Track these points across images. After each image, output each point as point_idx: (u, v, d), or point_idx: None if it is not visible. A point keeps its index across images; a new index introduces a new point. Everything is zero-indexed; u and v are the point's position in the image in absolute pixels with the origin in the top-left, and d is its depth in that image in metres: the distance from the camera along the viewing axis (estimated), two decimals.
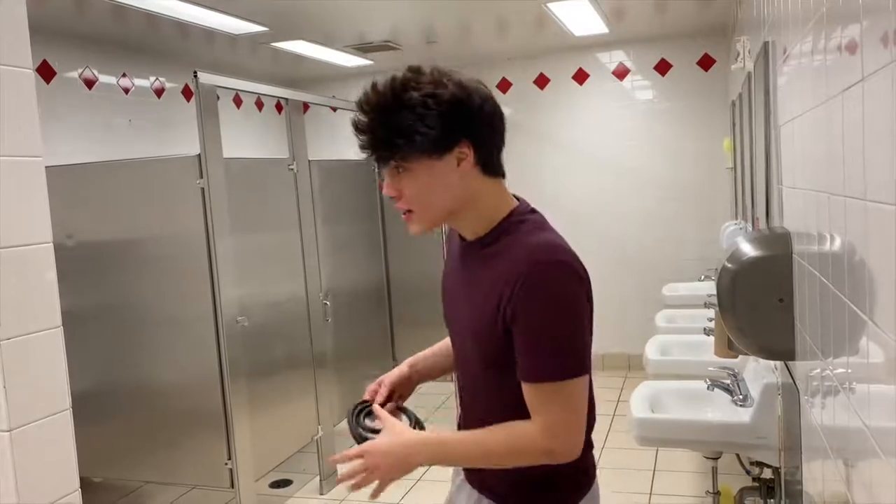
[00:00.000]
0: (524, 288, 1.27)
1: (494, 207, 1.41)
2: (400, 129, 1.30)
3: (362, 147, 1.34)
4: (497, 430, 1.34)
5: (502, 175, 1.43)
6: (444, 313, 1.57)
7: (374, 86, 1.34)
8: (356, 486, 1.46)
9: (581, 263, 1.34)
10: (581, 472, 1.45)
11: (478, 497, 1.49)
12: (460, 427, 1.58)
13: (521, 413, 1.32)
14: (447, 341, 1.67)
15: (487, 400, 1.45)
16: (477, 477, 1.50)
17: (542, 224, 1.41)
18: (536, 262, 1.30)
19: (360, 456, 1.42)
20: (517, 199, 1.46)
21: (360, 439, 1.47)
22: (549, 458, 1.31)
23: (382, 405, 1.60)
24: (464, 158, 1.34)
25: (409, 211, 1.40)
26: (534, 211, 1.45)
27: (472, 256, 1.44)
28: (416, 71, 1.39)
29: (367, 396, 1.62)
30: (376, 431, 1.46)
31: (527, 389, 1.31)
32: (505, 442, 1.34)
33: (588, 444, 1.41)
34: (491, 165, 1.40)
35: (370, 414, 1.53)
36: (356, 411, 1.54)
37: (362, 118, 1.33)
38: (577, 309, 1.31)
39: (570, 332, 1.30)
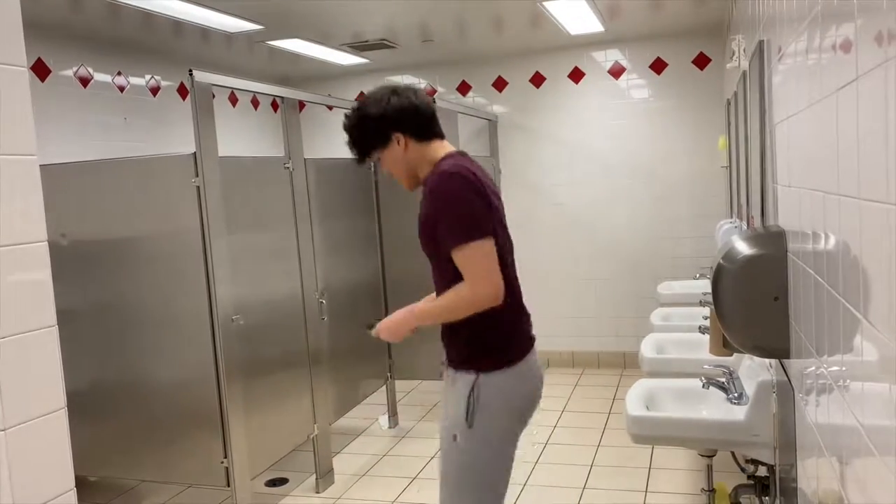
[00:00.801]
0: (425, 198, 2.09)
1: (432, 160, 2.17)
2: (355, 142, 2.19)
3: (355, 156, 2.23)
4: (447, 292, 2.07)
5: (438, 136, 2.20)
6: None
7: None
8: (378, 338, 2.32)
9: (477, 174, 2.07)
10: (503, 344, 2.10)
11: (448, 370, 2.17)
12: None
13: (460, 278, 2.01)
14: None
15: (446, 276, 2.09)
16: (448, 358, 2.17)
17: (454, 159, 2.12)
18: (429, 179, 2.10)
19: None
20: (458, 152, 2.19)
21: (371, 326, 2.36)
22: (475, 300, 1.99)
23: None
24: (399, 142, 2.15)
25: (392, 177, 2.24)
26: (458, 154, 2.18)
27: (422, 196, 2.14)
28: (358, 103, 2.20)
29: None
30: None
31: (454, 256, 2.00)
32: (451, 297, 2.04)
33: (518, 316, 2.15)
34: (422, 135, 2.17)
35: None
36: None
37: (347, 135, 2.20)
38: (460, 196, 1.99)
39: (458, 213, 1.99)
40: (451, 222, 2.00)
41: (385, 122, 2.13)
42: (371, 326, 2.38)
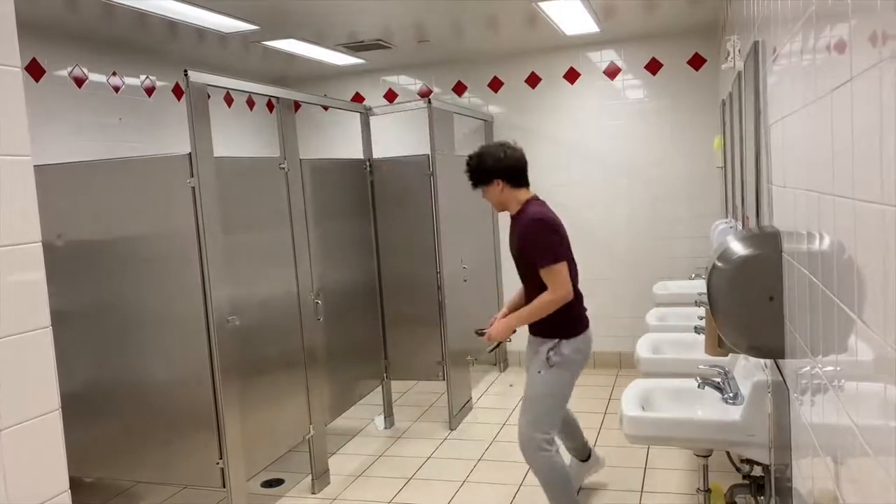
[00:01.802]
0: (521, 229, 3.15)
1: (519, 201, 3.22)
2: (472, 177, 3.23)
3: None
4: (536, 300, 3.10)
5: (525, 185, 3.26)
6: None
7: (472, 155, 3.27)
8: (486, 339, 3.31)
9: (554, 218, 3.17)
10: (573, 321, 3.17)
11: (531, 338, 3.25)
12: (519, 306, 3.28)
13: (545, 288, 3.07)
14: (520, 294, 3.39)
15: (536, 285, 3.12)
16: (534, 331, 3.23)
17: (536, 205, 3.19)
18: (522, 217, 3.16)
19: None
20: (535, 197, 3.24)
21: (481, 332, 3.33)
22: (554, 301, 3.05)
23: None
24: (498, 185, 3.19)
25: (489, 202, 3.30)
26: (537, 200, 3.24)
27: (514, 223, 3.22)
28: (482, 147, 3.28)
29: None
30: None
31: (541, 273, 3.06)
32: (538, 303, 3.08)
33: (579, 304, 3.20)
34: (516, 183, 3.22)
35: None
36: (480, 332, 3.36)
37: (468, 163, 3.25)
38: (546, 236, 3.08)
39: (543, 246, 3.05)
40: (539, 252, 3.08)
41: (492, 171, 3.18)
42: (481, 333, 3.34)
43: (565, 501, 3.23)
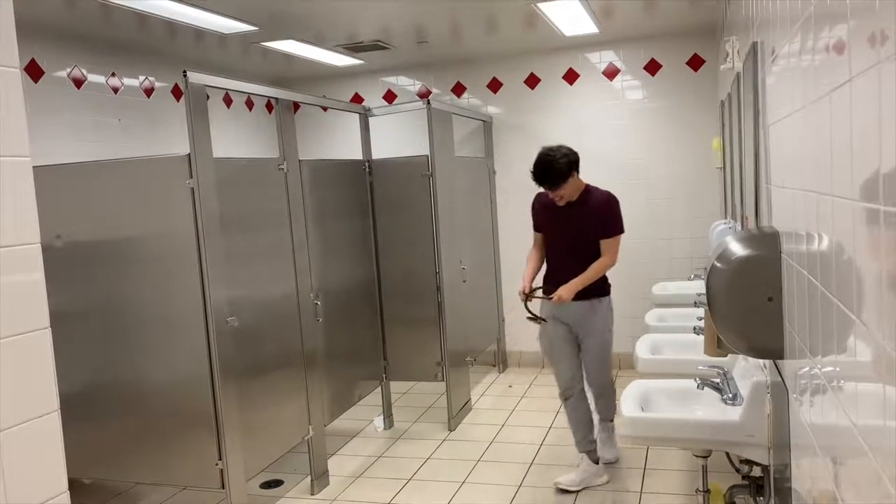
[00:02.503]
0: (596, 207, 3.74)
1: (580, 187, 3.77)
2: (561, 177, 3.66)
3: (550, 186, 3.71)
4: (594, 264, 3.72)
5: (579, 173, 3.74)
6: (545, 231, 3.96)
7: (546, 158, 3.71)
8: (555, 301, 3.69)
9: (611, 193, 3.83)
10: (608, 285, 3.89)
11: (579, 302, 3.75)
12: (552, 276, 3.89)
13: (593, 258, 3.73)
14: (535, 255, 3.99)
15: (585, 257, 3.74)
16: (587, 294, 3.75)
17: (596, 188, 3.82)
18: (593, 197, 3.77)
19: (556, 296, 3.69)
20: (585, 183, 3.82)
21: (529, 311, 3.81)
22: (610, 266, 3.78)
23: (531, 291, 3.79)
24: (574, 176, 3.68)
25: (562, 198, 3.72)
26: (589, 185, 3.82)
27: (572, 207, 3.75)
28: (551, 150, 3.72)
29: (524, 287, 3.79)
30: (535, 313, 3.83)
31: (604, 242, 3.73)
32: (598, 267, 3.71)
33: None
34: (579, 172, 3.72)
35: (529, 300, 3.77)
36: (527, 301, 3.78)
37: (545, 176, 3.68)
38: (619, 210, 3.77)
39: (617, 218, 3.77)
40: (613, 223, 3.76)
41: (574, 165, 3.70)
42: (547, 296, 3.78)
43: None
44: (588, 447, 3.86)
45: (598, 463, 3.87)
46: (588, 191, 3.78)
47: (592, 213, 3.73)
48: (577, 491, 3.80)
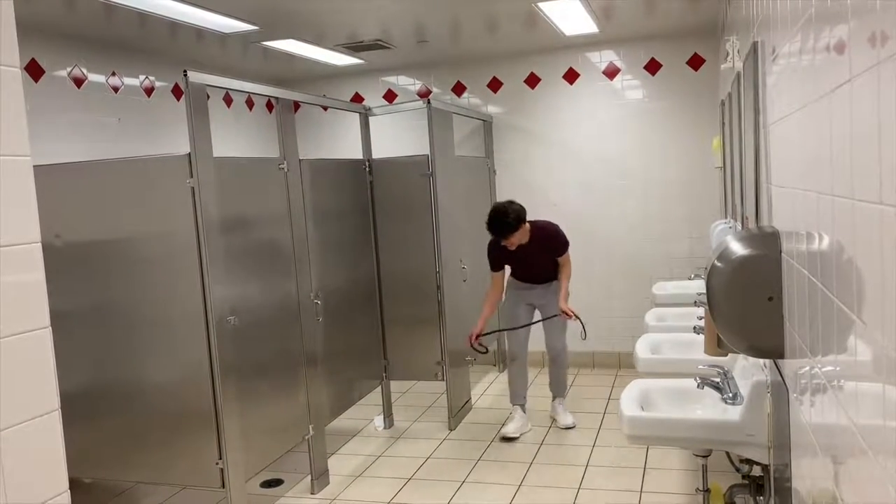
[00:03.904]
0: (552, 240, 4.63)
1: (527, 231, 4.51)
2: (512, 229, 4.41)
3: (501, 237, 4.48)
4: (563, 277, 4.69)
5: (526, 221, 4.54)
6: (508, 263, 4.75)
7: (498, 215, 4.44)
8: (572, 317, 4.53)
9: (549, 221, 4.74)
10: None
11: (544, 285, 4.76)
12: (527, 278, 4.78)
13: (552, 262, 4.70)
14: (492, 298, 4.79)
15: (546, 263, 4.68)
16: (544, 278, 4.77)
17: (538, 224, 4.62)
18: (543, 232, 4.60)
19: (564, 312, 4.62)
20: (530, 222, 4.55)
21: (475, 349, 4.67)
22: (570, 271, 4.74)
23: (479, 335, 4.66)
24: (521, 228, 4.44)
25: (512, 244, 4.50)
26: (532, 222, 4.57)
27: (528, 246, 4.54)
28: (502, 208, 4.44)
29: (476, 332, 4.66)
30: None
31: (560, 259, 4.68)
32: (568, 272, 4.70)
33: None
34: (526, 221, 4.49)
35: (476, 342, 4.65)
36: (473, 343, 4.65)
37: (498, 229, 4.44)
38: (563, 235, 4.67)
39: (565, 241, 4.67)
40: (562, 244, 4.65)
41: (521, 219, 4.42)
42: (576, 316, 4.48)
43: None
44: (521, 401, 4.79)
45: (524, 413, 4.79)
46: (533, 230, 4.53)
47: (543, 245, 4.61)
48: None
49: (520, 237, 4.47)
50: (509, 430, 4.65)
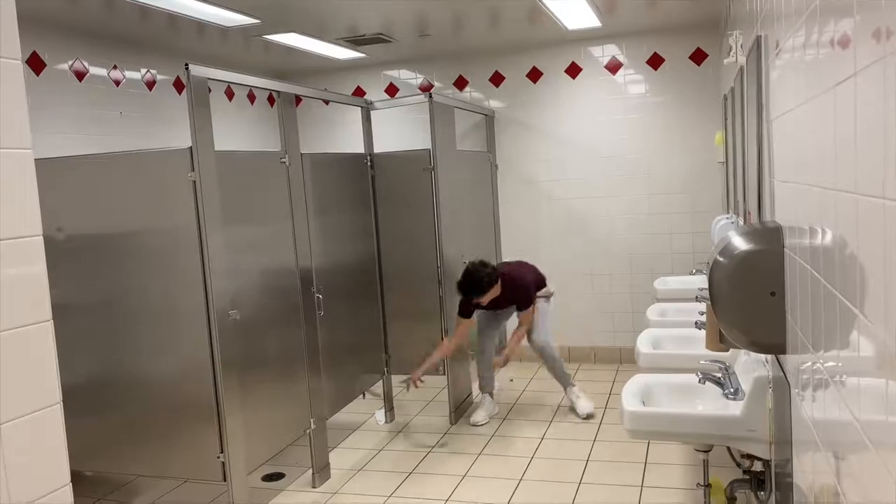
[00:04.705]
0: (513, 291, 4.71)
1: (498, 291, 4.62)
2: (487, 288, 4.54)
3: (474, 297, 4.56)
4: (519, 331, 4.84)
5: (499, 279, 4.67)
6: (479, 318, 4.88)
7: (471, 277, 4.53)
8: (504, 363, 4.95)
9: (519, 267, 5.00)
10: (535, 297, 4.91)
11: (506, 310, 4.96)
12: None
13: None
14: (449, 347, 4.66)
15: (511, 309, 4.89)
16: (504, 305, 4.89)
17: (507, 280, 4.70)
18: (513, 286, 4.71)
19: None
20: (499, 278, 4.63)
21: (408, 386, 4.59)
22: (528, 325, 4.84)
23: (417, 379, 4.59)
24: (493, 288, 4.55)
25: (483, 301, 4.61)
26: (501, 278, 4.66)
27: (498, 298, 4.65)
28: (476, 270, 4.54)
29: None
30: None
31: (520, 314, 4.81)
32: (522, 331, 4.85)
33: (542, 283, 5.01)
34: (498, 280, 4.62)
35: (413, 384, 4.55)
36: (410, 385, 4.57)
37: (471, 290, 4.54)
38: (528, 292, 4.81)
39: (528, 300, 4.79)
40: (527, 300, 4.77)
41: (492, 279, 4.53)
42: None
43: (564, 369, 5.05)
44: (490, 389, 5.00)
45: (492, 397, 5.02)
46: (504, 281, 4.64)
47: (512, 300, 4.75)
48: (577, 484, 3.82)
49: (492, 294, 4.58)
50: (479, 417, 4.84)
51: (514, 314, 4.90)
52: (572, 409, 4.91)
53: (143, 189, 3.28)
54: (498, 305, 4.75)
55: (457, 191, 5.06)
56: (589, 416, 4.78)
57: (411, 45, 5.64)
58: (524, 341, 4.90)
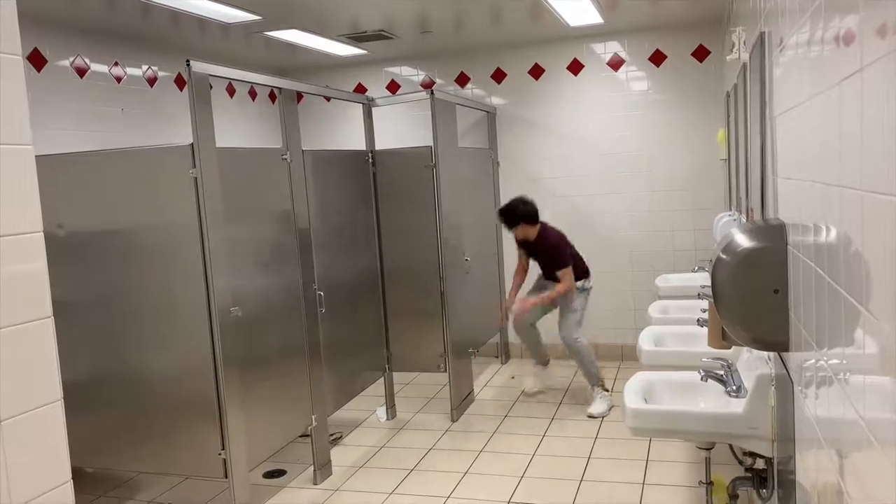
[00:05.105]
0: (546, 243, 5.00)
1: (535, 233, 4.97)
2: (511, 221, 4.98)
3: (505, 225, 5.08)
4: (557, 287, 4.94)
5: (538, 222, 4.98)
6: (523, 249, 5.20)
7: (510, 206, 5.00)
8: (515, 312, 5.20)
9: (562, 234, 5.08)
10: (582, 272, 5.08)
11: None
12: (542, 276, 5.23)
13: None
14: (519, 274, 5.31)
15: (550, 271, 5.05)
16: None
17: (550, 231, 5.04)
18: (546, 237, 5.01)
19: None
20: (542, 223, 5.04)
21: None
22: (567, 288, 4.90)
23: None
24: (524, 226, 4.93)
25: (516, 237, 5.07)
26: (545, 225, 5.05)
27: (533, 245, 5.05)
28: (518, 202, 4.95)
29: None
30: None
31: (559, 273, 4.93)
32: (558, 288, 4.91)
33: (583, 265, 5.13)
34: (535, 222, 4.95)
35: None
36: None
37: (504, 217, 5.03)
38: (563, 251, 4.96)
39: (561, 259, 4.93)
40: (560, 260, 4.92)
41: (530, 215, 4.93)
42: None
43: (593, 367, 5.03)
44: (539, 363, 5.36)
45: (546, 365, 5.39)
46: (541, 232, 4.97)
47: (544, 250, 5.01)
48: (579, 481, 3.82)
49: (523, 233, 4.91)
50: (528, 384, 5.38)
51: (566, 310, 5.02)
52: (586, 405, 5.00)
53: (144, 186, 3.27)
54: (535, 254, 5.10)
55: (458, 188, 5.05)
56: (591, 416, 4.80)
57: (413, 41, 5.63)
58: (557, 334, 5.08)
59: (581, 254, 5.12)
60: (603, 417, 4.77)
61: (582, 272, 5.06)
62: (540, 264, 5.13)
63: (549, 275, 5.01)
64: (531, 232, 4.92)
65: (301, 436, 3.88)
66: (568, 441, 4.41)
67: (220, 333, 3.18)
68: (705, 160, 5.61)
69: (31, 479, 1.41)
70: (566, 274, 4.90)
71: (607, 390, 5.01)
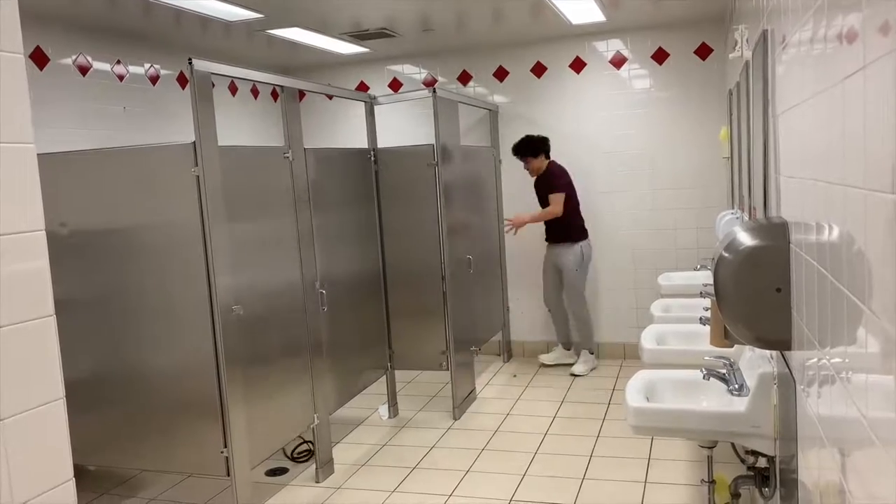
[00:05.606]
0: (548, 176, 5.64)
1: (542, 168, 5.65)
2: (520, 150, 5.65)
3: (516, 155, 5.69)
4: (543, 210, 5.64)
5: (548, 157, 5.67)
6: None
7: (525, 138, 5.66)
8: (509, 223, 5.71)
9: (566, 172, 5.72)
10: (574, 234, 5.63)
11: (555, 245, 5.74)
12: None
13: (561, 225, 5.61)
14: (538, 214, 5.70)
15: (556, 225, 5.63)
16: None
17: (554, 164, 5.67)
18: (552, 170, 5.65)
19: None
20: (552, 161, 5.71)
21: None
22: (554, 213, 5.54)
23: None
24: (532, 159, 5.61)
25: (528, 170, 5.68)
26: (552, 161, 5.70)
27: (538, 179, 5.70)
28: (531, 136, 5.61)
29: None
30: None
31: (549, 196, 5.58)
32: (544, 211, 5.60)
33: (580, 223, 5.70)
34: (545, 156, 5.65)
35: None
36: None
37: (517, 148, 5.65)
38: (559, 180, 5.61)
39: (554, 184, 5.58)
40: (554, 185, 5.50)
41: (542, 147, 5.56)
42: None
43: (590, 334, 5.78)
44: (561, 340, 5.88)
45: (569, 349, 5.87)
46: (548, 167, 5.59)
47: (544, 180, 5.58)
48: (581, 480, 3.82)
49: (533, 167, 5.58)
50: (546, 357, 5.91)
51: (563, 270, 5.59)
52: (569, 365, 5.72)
53: (146, 184, 3.27)
54: (538, 189, 5.63)
55: (461, 186, 5.05)
56: (573, 375, 5.59)
57: (415, 39, 5.63)
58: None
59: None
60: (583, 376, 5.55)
61: (578, 232, 5.57)
62: (539, 199, 5.61)
63: (544, 204, 5.56)
64: (538, 166, 5.52)
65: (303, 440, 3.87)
66: (570, 439, 4.41)
67: (221, 332, 3.18)
68: (708, 158, 5.60)
69: (32, 478, 1.41)
70: (556, 199, 5.43)
71: (592, 353, 5.75)
